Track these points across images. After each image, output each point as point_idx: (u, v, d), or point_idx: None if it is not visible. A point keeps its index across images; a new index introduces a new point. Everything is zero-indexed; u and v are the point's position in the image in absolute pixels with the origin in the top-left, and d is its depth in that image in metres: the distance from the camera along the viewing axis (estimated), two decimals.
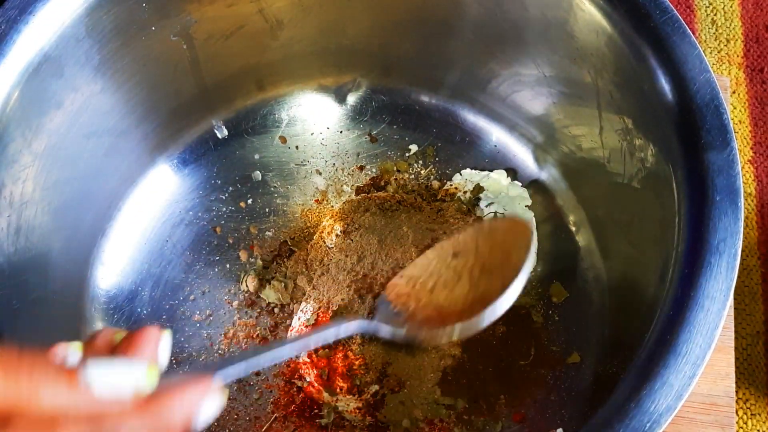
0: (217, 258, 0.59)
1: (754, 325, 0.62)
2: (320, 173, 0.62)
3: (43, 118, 0.48)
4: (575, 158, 0.59)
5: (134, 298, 0.57)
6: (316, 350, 0.54)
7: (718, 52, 0.72)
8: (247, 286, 0.57)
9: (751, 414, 0.59)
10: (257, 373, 0.55)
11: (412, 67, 0.62)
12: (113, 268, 0.58)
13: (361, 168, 0.62)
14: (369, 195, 0.60)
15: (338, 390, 0.53)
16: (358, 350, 0.53)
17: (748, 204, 0.66)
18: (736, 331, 0.60)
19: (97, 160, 0.55)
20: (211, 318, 0.57)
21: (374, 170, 0.62)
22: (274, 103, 0.63)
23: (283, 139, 0.63)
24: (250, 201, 0.61)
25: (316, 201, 0.61)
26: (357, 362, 0.53)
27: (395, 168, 0.61)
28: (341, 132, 0.63)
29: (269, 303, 0.57)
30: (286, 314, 0.56)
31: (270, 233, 0.60)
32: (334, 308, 0.54)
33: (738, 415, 0.59)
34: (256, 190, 0.61)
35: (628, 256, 0.53)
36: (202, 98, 0.60)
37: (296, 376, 0.54)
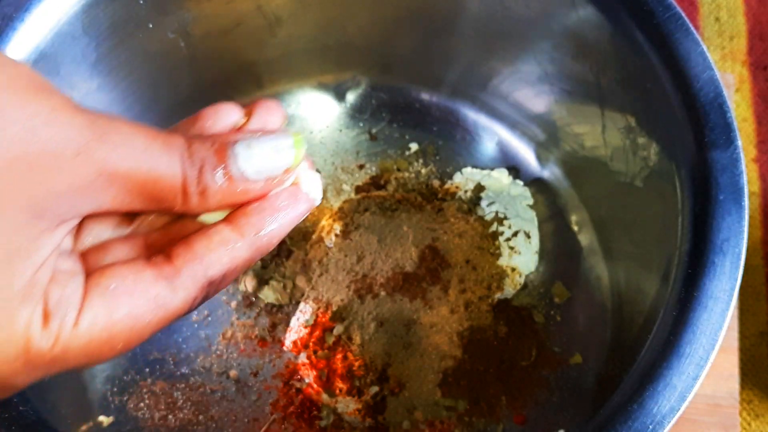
0: None
1: (759, 326, 0.61)
2: (319, 172, 0.61)
3: None
4: (577, 157, 0.58)
5: None
6: (315, 351, 0.53)
7: (722, 49, 0.71)
8: (245, 286, 0.57)
9: (755, 415, 0.58)
10: (255, 374, 0.54)
11: (413, 64, 0.61)
12: None
13: (361, 167, 0.61)
14: (369, 194, 0.59)
15: (338, 391, 0.52)
16: (358, 351, 0.52)
17: (752, 203, 0.65)
18: (740, 332, 0.60)
19: None
20: (209, 318, 0.56)
21: (374, 169, 0.61)
22: None
23: None
24: None
25: None
26: (357, 363, 0.52)
27: (395, 167, 0.61)
28: (341, 130, 0.63)
29: (268, 303, 0.56)
30: (284, 314, 0.56)
31: None
32: (334, 308, 0.54)
33: (742, 416, 0.58)
34: None
35: (631, 255, 0.53)
36: (200, 96, 0.60)
37: (295, 378, 0.54)
